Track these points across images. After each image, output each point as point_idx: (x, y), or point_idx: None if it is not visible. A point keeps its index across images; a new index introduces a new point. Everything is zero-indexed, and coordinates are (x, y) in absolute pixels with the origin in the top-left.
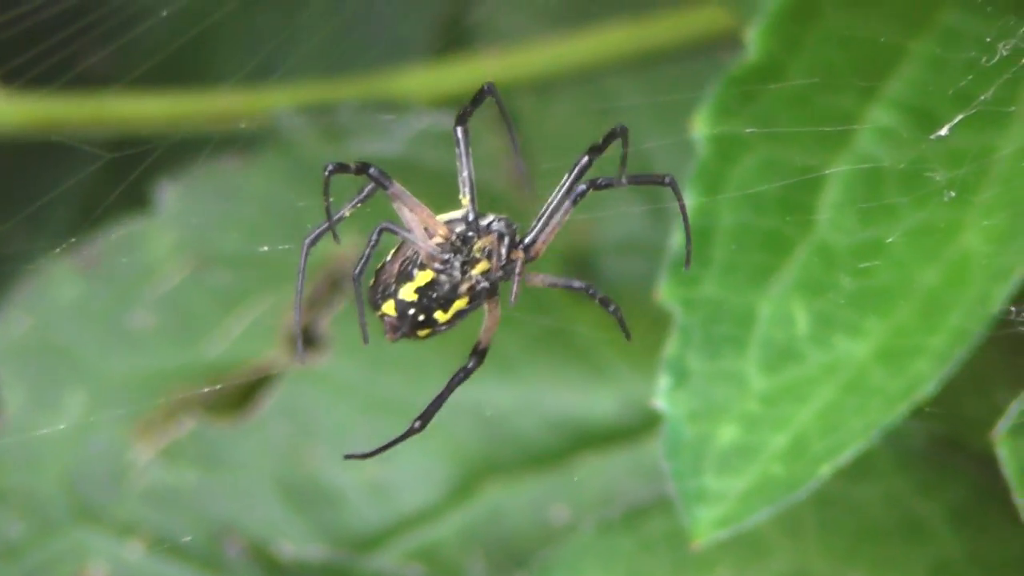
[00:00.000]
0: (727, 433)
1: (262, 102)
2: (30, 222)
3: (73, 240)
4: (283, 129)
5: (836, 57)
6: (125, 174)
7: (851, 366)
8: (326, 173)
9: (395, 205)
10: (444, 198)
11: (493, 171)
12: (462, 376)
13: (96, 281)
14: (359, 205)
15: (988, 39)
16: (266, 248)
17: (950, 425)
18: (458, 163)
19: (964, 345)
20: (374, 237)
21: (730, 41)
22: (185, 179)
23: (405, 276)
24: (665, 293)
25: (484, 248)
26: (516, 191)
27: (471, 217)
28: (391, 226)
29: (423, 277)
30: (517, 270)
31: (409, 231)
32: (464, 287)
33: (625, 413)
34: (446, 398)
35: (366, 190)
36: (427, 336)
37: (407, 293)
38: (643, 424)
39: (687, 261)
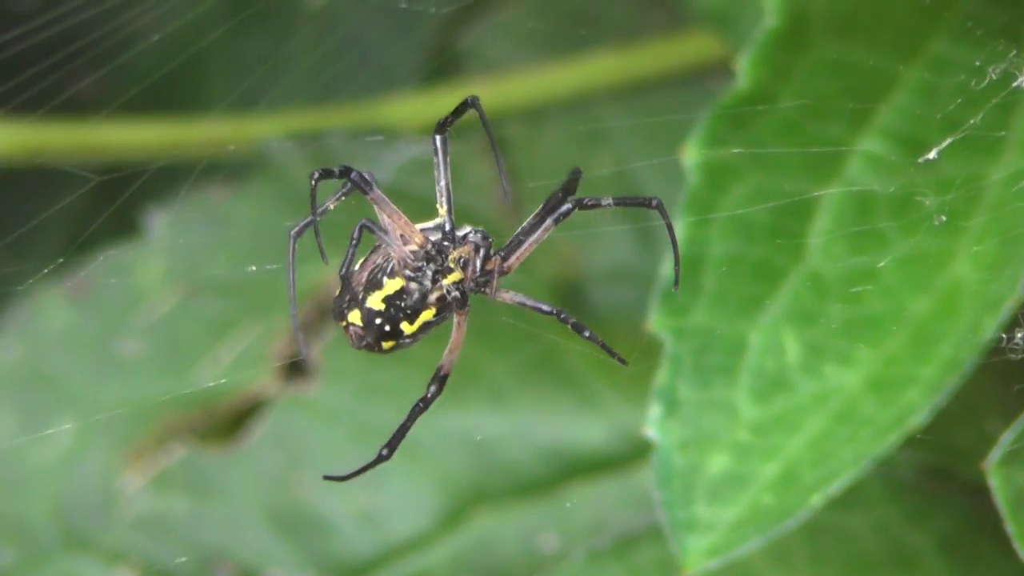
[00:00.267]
0: (718, 462)
1: (251, 129)
2: (18, 247)
3: (61, 261)
4: (272, 156)
5: (826, 85)
6: (113, 199)
7: (842, 396)
8: (312, 181)
9: (376, 211)
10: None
11: (482, 198)
12: (422, 407)
13: (86, 308)
14: (343, 199)
15: (978, 63)
16: (254, 268)
17: (941, 454)
18: (435, 172)
19: (955, 375)
20: (356, 234)
21: (720, 70)
22: (174, 206)
23: (374, 284)
24: (655, 322)
25: (459, 258)
26: (505, 219)
27: (447, 227)
28: (371, 224)
29: (392, 285)
30: (495, 272)
31: (386, 232)
32: (434, 296)
33: (615, 442)
34: (409, 427)
35: (348, 186)
36: (391, 350)
37: (375, 302)
38: (633, 453)
39: (676, 282)
